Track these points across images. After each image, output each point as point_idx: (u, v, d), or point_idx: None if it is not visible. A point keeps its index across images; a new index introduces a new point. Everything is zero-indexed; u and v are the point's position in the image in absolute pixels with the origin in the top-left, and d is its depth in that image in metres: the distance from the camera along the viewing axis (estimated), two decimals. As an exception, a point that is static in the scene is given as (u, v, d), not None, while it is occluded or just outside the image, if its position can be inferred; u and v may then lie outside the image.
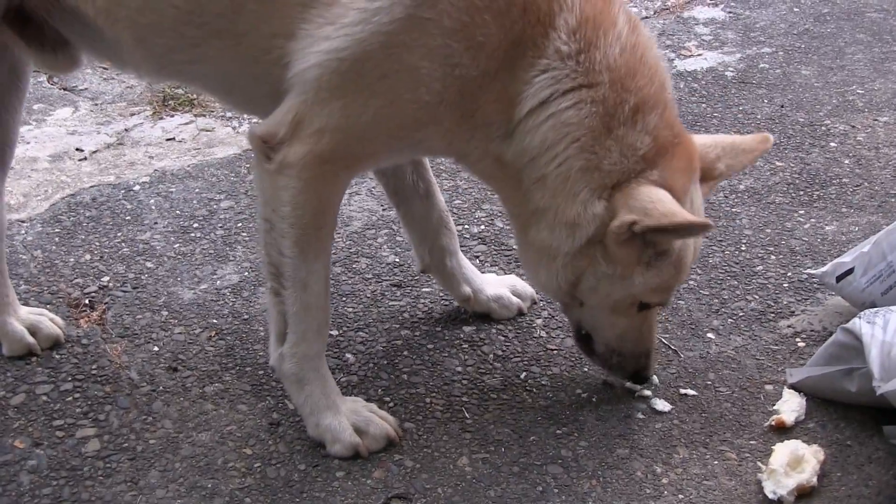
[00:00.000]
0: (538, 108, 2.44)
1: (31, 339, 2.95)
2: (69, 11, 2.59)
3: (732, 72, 4.98)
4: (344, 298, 3.31)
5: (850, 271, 3.06)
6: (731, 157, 2.71)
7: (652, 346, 2.82)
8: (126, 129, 4.39)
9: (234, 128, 4.43)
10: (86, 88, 4.71)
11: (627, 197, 2.45)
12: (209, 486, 2.60)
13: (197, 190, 3.92)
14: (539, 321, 3.23)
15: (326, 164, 2.46)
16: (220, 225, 3.69)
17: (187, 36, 2.54)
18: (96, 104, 4.60)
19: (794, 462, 2.62)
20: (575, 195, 2.49)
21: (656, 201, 2.42)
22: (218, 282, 3.37)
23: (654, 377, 2.99)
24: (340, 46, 2.35)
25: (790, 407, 2.86)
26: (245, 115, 4.48)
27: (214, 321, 3.19)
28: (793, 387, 2.93)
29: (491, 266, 3.46)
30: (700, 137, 2.69)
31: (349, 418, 2.71)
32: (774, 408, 2.87)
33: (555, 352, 3.10)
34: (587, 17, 2.42)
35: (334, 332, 3.14)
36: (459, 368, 3.04)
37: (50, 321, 3.01)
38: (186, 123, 4.46)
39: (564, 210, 2.51)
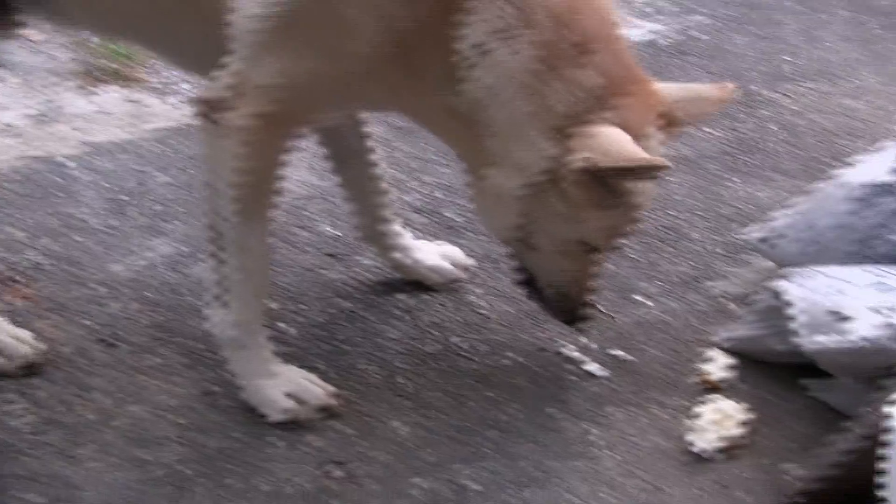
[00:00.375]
0: (471, 52, 2.38)
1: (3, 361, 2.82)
2: None
3: (670, 42, 5.02)
4: (281, 270, 3.31)
5: (778, 234, 3.12)
6: (692, 105, 2.61)
7: (594, 292, 2.79)
8: (52, 102, 4.32)
9: (165, 100, 4.39)
10: (9, 59, 4.62)
11: (583, 137, 2.37)
12: (146, 457, 2.60)
13: (128, 163, 3.87)
14: (475, 289, 3.25)
15: (270, 126, 2.43)
16: (152, 198, 3.65)
17: None
18: (20, 76, 4.51)
19: (720, 418, 2.68)
20: (525, 138, 2.42)
21: (614, 142, 2.35)
22: (151, 255, 3.35)
23: (587, 340, 3.04)
24: (272, 0, 2.33)
25: (718, 366, 2.92)
26: (176, 88, 4.45)
27: (147, 294, 3.17)
28: (721, 347, 3.00)
29: (427, 236, 3.47)
30: (661, 83, 2.60)
31: (286, 386, 2.71)
32: (703, 368, 2.93)
33: (490, 319, 3.13)
34: None
35: (270, 304, 3.14)
36: (396, 336, 3.06)
37: (20, 343, 2.84)
38: (116, 96, 4.40)
39: (516, 154, 2.45)
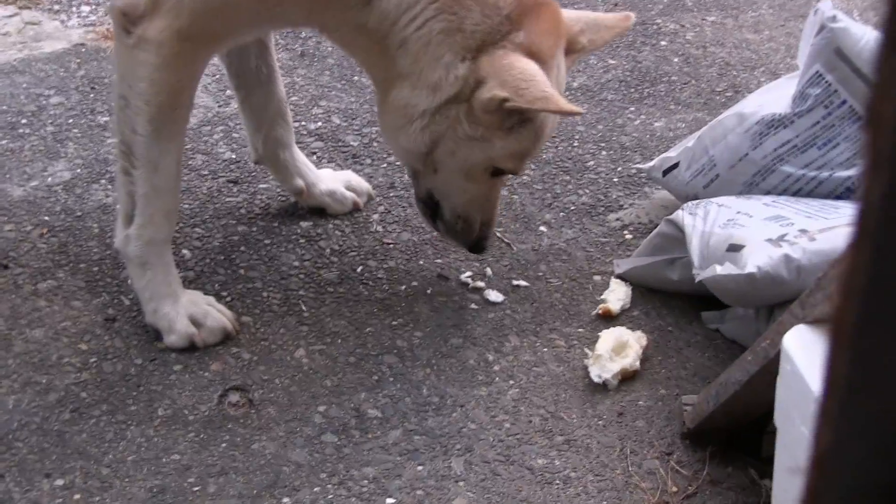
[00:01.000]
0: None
1: None
2: None
3: (569, -28, 5.03)
4: (180, 195, 3.27)
5: (676, 166, 3.17)
6: (593, 33, 2.67)
7: (495, 216, 2.83)
8: (-54, 21, 4.21)
9: (62, 21, 4.28)
10: None
11: (496, 67, 2.41)
12: (44, 381, 2.58)
13: (24, 85, 3.79)
14: (375, 216, 3.27)
15: (186, 42, 2.41)
16: (49, 121, 3.59)
17: None
18: (-86, -6, 4.39)
19: (618, 347, 2.74)
20: (437, 58, 2.45)
21: (529, 80, 2.38)
22: (49, 179, 3.30)
23: (488, 269, 3.08)
24: None
25: (616, 296, 2.98)
26: (74, 9, 4.35)
27: (46, 218, 3.12)
28: (619, 277, 3.05)
29: (328, 163, 3.46)
30: (563, 11, 2.63)
31: (187, 309, 2.69)
32: (602, 297, 2.99)
33: (391, 246, 3.15)
34: None
35: (170, 229, 3.12)
36: (296, 263, 3.06)
37: None
38: (11, 16, 4.28)
39: (427, 73, 2.46)
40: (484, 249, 2.89)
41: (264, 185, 3.35)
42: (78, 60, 3.98)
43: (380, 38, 2.48)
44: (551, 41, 2.50)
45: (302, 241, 3.15)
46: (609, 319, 2.92)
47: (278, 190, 3.32)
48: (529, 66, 2.41)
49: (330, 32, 2.63)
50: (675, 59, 4.27)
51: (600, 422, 2.63)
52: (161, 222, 2.66)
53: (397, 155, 2.99)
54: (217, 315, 2.73)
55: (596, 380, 2.70)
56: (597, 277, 3.10)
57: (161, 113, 2.50)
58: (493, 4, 2.42)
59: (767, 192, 2.92)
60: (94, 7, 4.38)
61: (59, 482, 2.34)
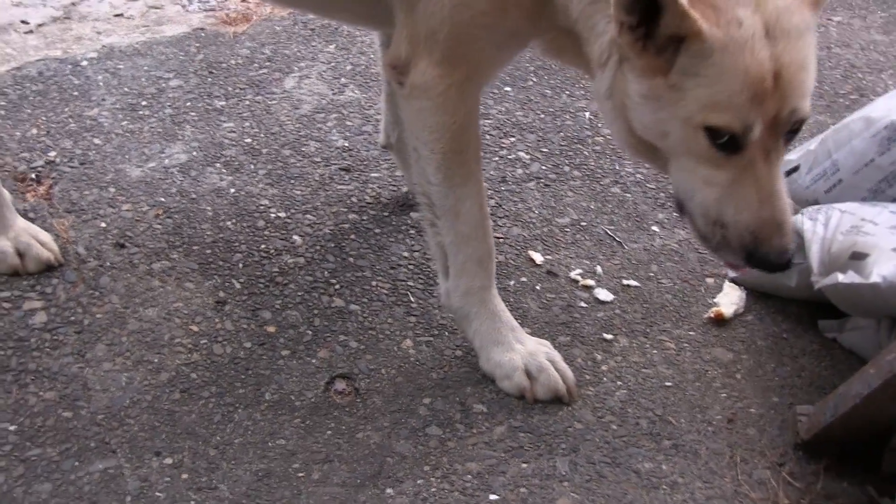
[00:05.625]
0: None
1: (16, 261, 2.82)
2: None
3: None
4: (292, 181, 3.31)
5: (796, 169, 3.09)
6: None
7: (773, 212, 2.12)
8: (73, 3, 4.29)
9: (183, 6, 4.35)
10: (32, -40, 4.59)
11: None
12: (155, 360, 2.61)
13: (145, 68, 3.86)
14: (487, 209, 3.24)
15: (448, 79, 2.39)
16: (168, 104, 3.64)
17: None
18: (42, -24, 4.49)
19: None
20: (596, 31, 2.21)
21: None
22: (166, 160, 3.35)
23: (598, 267, 3.04)
24: None
25: (730, 300, 2.92)
26: (195, -6, 4.42)
27: (162, 199, 3.17)
28: (733, 280, 2.99)
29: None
30: None
31: (523, 359, 2.62)
32: (714, 300, 2.94)
33: (501, 240, 3.12)
34: None
35: (282, 214, 3.15)
36: (406, 254, 3.06)
37: (40, 245, 2.85)
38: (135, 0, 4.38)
39: (595, 52, 2.22)
40: (774, 265, 2.17)
41: (376, 174, 3.36)
42: (197, 44, 4.04)
43: (575, 36, 2.32)
44: None
45: (412, 231, 3.14)
46: (721, 323, 2.86)
47: (390, 179, 3.32)
48: None
49: (548, 42, 2.50)
50: (798, 61, 4.17)
51: (710, 427, 2.58)
52: (475, 270, 2.61)
53: (626, 153, 2.65)
54: (553, 374, 2.62)
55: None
56: (710, 280, 3.04)
57: (448, 158, 2.48)
58: None
59: (894, 200, 2.82)
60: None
61: (168, 461, 2.37)
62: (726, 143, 2.07)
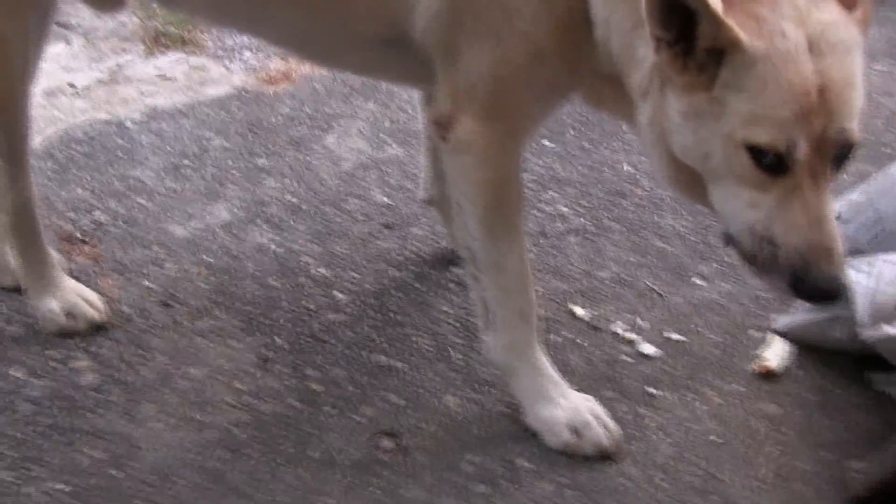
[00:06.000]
0: None
1: (64, 321, 2.85)
2: None
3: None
4: (334, 238, 3.33)
5: (839, 218, 3.07)
6: None
7: (822, 237, 2.00)
8: (119, 66, 4.38)
9: (226, 67, 4.43)
10: (78, 24, 4.68)
11: None
12: (202, 418, 2.63)
13: (189, 128, 3.92)
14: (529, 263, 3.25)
15: (490, 133, 2.39)
16: (211, 163, 3.69)
17: None
18: (89, 40, 4.58)
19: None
20: (637, 60, 2.15)
21: None
22: (209, 219, 3.39)
23: (641, 321, 3.03)
24: (430, 4, 2.32)
25: (775, 352, 2.90)
26: (237, 54, 4.48)
27: (206, 258, 3.20)
28: (778, 333, 2.97)
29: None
30: None
31: (568, 414, 2.61)
32: (760, 353, 2.91)
33: (541, 294, 3.12)
34: None
35: (324, 271, 3.17)
36: (448, 309, 3.07)
37: (88, 305, 2.88)
38: (179, 61, 4.45)
39: (636, 82, 2.17)
40: (823, 292, 2.04)
41: (417, 230, 3.38)
42: (239, 104, 4.10)
43: (616, 78, 2.27)
44: None
45: (454, 287, 3.15)
46: (768, 377, 2.84)
47: (431, 235, 3.34)
48: None
49: (588, 90, 2.49)
50: (838, 111, 4.16)
51: (759, 484, 2.55)
52: (518, 324, 2.61)
53: (670, 190, 2.58)
54: (598, 430, 2.60)
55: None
56: (754, 333, 3.02)
57: (490, 212, 2.49)
58: None
59: (941, 251, 2.81)
60: (256, 52, 4.52)
61: (216, 520, 2.38)
62: (771, 163, 1.97)
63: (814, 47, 1.91)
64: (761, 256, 2.06)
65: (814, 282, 2.00)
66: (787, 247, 2.01)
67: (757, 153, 1.97)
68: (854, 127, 1.97)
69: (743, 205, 2.05)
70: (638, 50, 2.13)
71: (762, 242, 2.05)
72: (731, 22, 1.91)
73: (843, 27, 1.95)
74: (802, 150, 1.94)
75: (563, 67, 2.35)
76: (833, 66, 1.92)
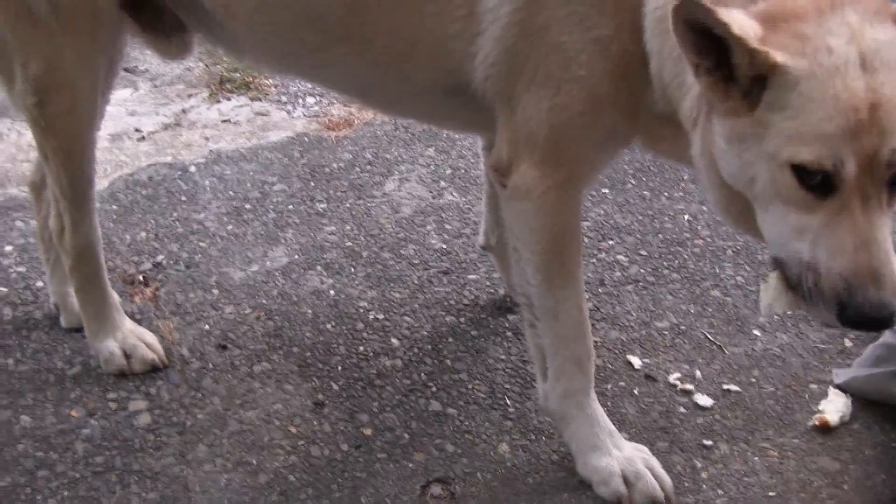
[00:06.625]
0: (650, 18, 2.19)
1: (123, 362, 2.90)
2: (188, 0, 2.61)
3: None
4: (391, 283, 3.35)
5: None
6: None
7: (870, 260, 1.90)
8: (183, 111, 4.46)
9: (288, 112, 4.48)
10: (145, 70, 4.78)
11: None
12: (255, 462, 2.64)
13: (250, 172, 3.97)
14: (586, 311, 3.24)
15: (549, 180, 2.40)
16: (271, 207, 3.73)
17: (308, 41, 2.55)
18: (155, 85, 4.67)
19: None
20: (685, 89, 2.13)
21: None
22: (268, 263, 3.42)
23: (698, 372, 3.00)
24: (489, 53, 2.35)
25: (835, 407, 2.85)
26: (299, 100, 4.54)
27: (263, 301, 3.23)
28: (838, 387, 2.92)
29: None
30: None
31: (620, 464, 2.59)
32: (819, 407, 2.87)
33: (598, 343, 3.10)
34: None
35: (381, 317, 3.18)
36: (503, 356, 3.06)
37: (146, 347, 2.94)
38: (242, 106, 4.52)
39: (685, 113, 2.15)
40: (870, 319, 1.93)
41: (474, 277, 3.38)
42: (301, 149, 4.15)
43: (674, 118, 2.23)
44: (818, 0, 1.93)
45: (509, 334, 3.15)
46: (826, 431, 2.79)
47: (488, 282, 3.34)
48: (733, 12, 1.93)
49: (648, 136, 2.45)
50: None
51: (816, 540, 2.51)
52: (573, 372, 2.60)
53: (726, 222, 2.45)
54: (651, 481, 2.58)
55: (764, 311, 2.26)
56: (814, 386, 2.97)
57: (548, 260, 2.50)
58: None
59: None
60: (318, 98, 4.57)
61: (265, 564, 2.39)
62: (817, 183, 1.89)
63: (866, 64, 1.85)
64: (806, 285, 1.97)
65: (859, 307, 1.90)
66: (830, 271, 1.91)
67: (802, 173, 1.90)
68: None
69: (789, 229, 1.97)
70: (687, 77, 2.09)
71: (807, 271, 1.96)
72: (764, 47, 1.87)
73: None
74: (851, 169, 1.86)
75: (621, 113, 2.35)
76: (887, 82, 1.85)
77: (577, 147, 2.40)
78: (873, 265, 1.89)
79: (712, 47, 1.92)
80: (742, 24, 1.90)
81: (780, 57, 1.88)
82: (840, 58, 1.86)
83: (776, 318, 3.23)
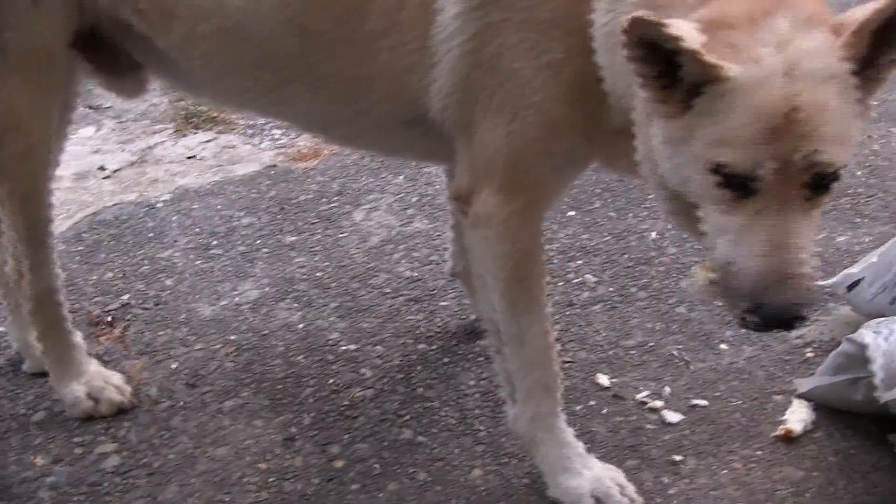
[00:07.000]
0: (600, 35, 2.23)
1: (90, 405, 2.90)
2: (142, 39, 2.62)
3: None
4: (361, 313, 3.37)
5: (859, 282, 3.08)
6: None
7: (780, 262, 1.98)
8: (149, 147, 4.47)
9: (255, 145, 4.50)
10: (110, 107, 4.80)
11: None
12: (226, 500, 2.65)
13: (218, 207, 3.99)
14: (553, 335, 3.25)
15: (509, 206, 2.42)
16: (239, 242, 3.75)
17: (263, 80, 2.57)
18: (120, 122, 4.69)
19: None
20: (636, 97, 2.15)
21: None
22: (237, 298, 3.44)
23: (666, 388, 3.03)
24: (444, 84, 2.38)
25: (798, 416, 2.88)
26: (266, 132, 4.56)
27: (233, 337, 3.25)
28: (802, 396, 2.96)
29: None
30: None
31: (590, 484, 2.61)
32: (783, 418, 2.90)
33: (568, 364, 3.13)
34: None
35: (351, 347, 3.20)
36: (473, 382, 3.08)
37: (113, 389, 2.94)
38: (208, 140, 4.53)
39: (636, 119, 2.17)
40: (776, 320, 2.02)
41: (443, 304, 3.41)
42: (268, 182, 4.17)
43: (628, 126, 2.25)
44: (758, 9, 1.99)
45: (479, 359, 3.17)
46: (790, 441, 2.82)
47: (457, 308, 3.37)
48: (676, 20, 1.98)
49: (610, 156, 2.49)
50: (861, 172, 4.15)
51: (783, 550, 2.54)
52: (540, 396, 2.63)
53: (675, 226, 2.52)
54: (620, 500, 2.60)
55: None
56: (778, 397, 3.00)
57: (512, 285, 2.51)
58: (680, 3, 2.07)
59: (958, 313, 2.79)
60: (285, 130, 4.59)
61: None
62: (738, 185, 1.97)
63: (790, 73, 1.92)
64: (724, 283, 2.06)
65: (768, 309, 1.99)
66: (744, 272, 2.00)
67: (723, 175, 1.97)
68: (828, 152, 1.94)
69: (714, 228, 2.07)
70: (637, 88, 2.13)
71: (726, 274, 2.05)
72: (712, 58, 1.93)
73: (824, 55, 1.96)
74: (767, 172, 1.94)
75: (579, 135, 2.38)
76: (805, 91, 1.92)
77: (537, 172, 2.43)
78: (784, 268, 1.97)
79: (659, 59, 1.97)
80: (689, 33, 1.95)
81: (724, 65, 1.93)
82: (766, 68, 1.93)
83: (740, 332, 3.25)
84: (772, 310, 1.98)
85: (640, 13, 1.92)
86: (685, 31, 1.95)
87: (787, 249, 1.98)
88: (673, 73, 1.98)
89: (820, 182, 1.97)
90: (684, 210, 2.16)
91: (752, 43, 1.95)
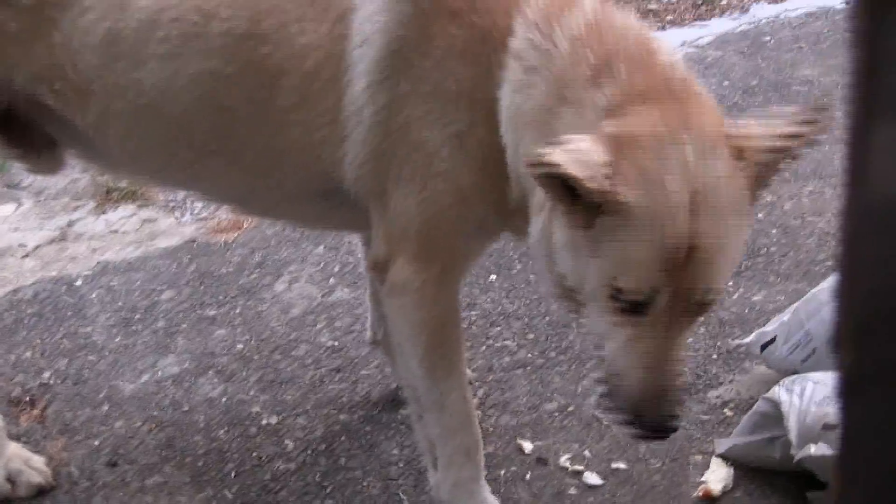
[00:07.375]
0: (505, 115, 2.30)
1: (7, 488, 2.86)
2: (59, 118, 2.62)
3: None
4: (283, 385, 3.37)
5: (773, 340, 3.14)
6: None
7: (657, 382, 2.10)
8: (69, 223, 4.45)
9: (176, 218, 4.50)
10: (29, 184, 4.76)
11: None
12: (149, 579, 2.63)
13: (139, 281, 3.97)
14: (474, 401, 3.28)
15: (424, 273, 2.44)
16: (161, 316, 3.74)
17: (179, 156, 2.59)
18: (39, 199, 4.65)
19: None
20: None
21: (573, 152, 1.99)
22: (159, 373, 3.42)
23: (587, 451, 3.06)
24: (356, 155, 2.42)
25: (718, 476, 2.92)
26: (188, 206, 4.56)
27: (155, 413, 3.23)
28: (721, 456, 3.00)
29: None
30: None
31: None
32: (703, 478, 2.93)
33: (489, 430, 3.15)
34: (545, 15, 2.26)
35: (274, 420, 3.20)
36: (396, 450, 3.09)
37: (31, 470, 2.89)
38: (129, 215, 4.52)
39: (534, 201, 2.23)
40: (649, 433, 2.19)
41: (366, 373, 3.42)
42: (189, 255, 4.16)
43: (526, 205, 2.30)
44: (663, 127, 2.03)
45: (402, 427, 3.18)
46: (711, 501, 2.86)
47: (379, 377, 3.38)
48: (583, 143, 2.02)
49: (519, 232, 2.46)
50: (773, 231, 4.25)
51: None
52: (462, 462, 2.64)
53: (559, 306, 2.63)
54: None
55: None
56: (698, 457, 3.04)
57: (430, 352, 2.53)
58: (593, 101, 2.14)
59: (867, 368, 2.85)
60: (206, 203, 4.58)
61: None
62: (631, 304, 2.05)
63: (693, 206, 1.97)
64: (608, 385, 2.18)
65: (646, 422, 2.13)
66: (626, 385, 2.12)
67: (620, 295, 2.05)
68: (722, 282, 2.07)
69: (603, 333, 2.15)
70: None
71: (609, 374, 2.16)
72: (610, 187, 1.96)
73: (728, 188, 2.01)
74: (663, 301, 2.03)
75: (487, 204, 2.42)
76: (708, 227, 1.98)
77: (449, 239, 2.46)
78: (664, 386, 2.11)
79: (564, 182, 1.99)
80: (591, 157, 1.98)
81: (621, 193, 1.97)
82: (672, 199, 1.97)
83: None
84: (650, 422, 2.13)
85: (540, 153, 1.97)
86: (591, 154, 1.98)
87: (669, 367, 2.10)
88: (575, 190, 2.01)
89: (705, 307, 2.10)
90: (572, 298, 2.22)
91: (659, 168, 1.99)
